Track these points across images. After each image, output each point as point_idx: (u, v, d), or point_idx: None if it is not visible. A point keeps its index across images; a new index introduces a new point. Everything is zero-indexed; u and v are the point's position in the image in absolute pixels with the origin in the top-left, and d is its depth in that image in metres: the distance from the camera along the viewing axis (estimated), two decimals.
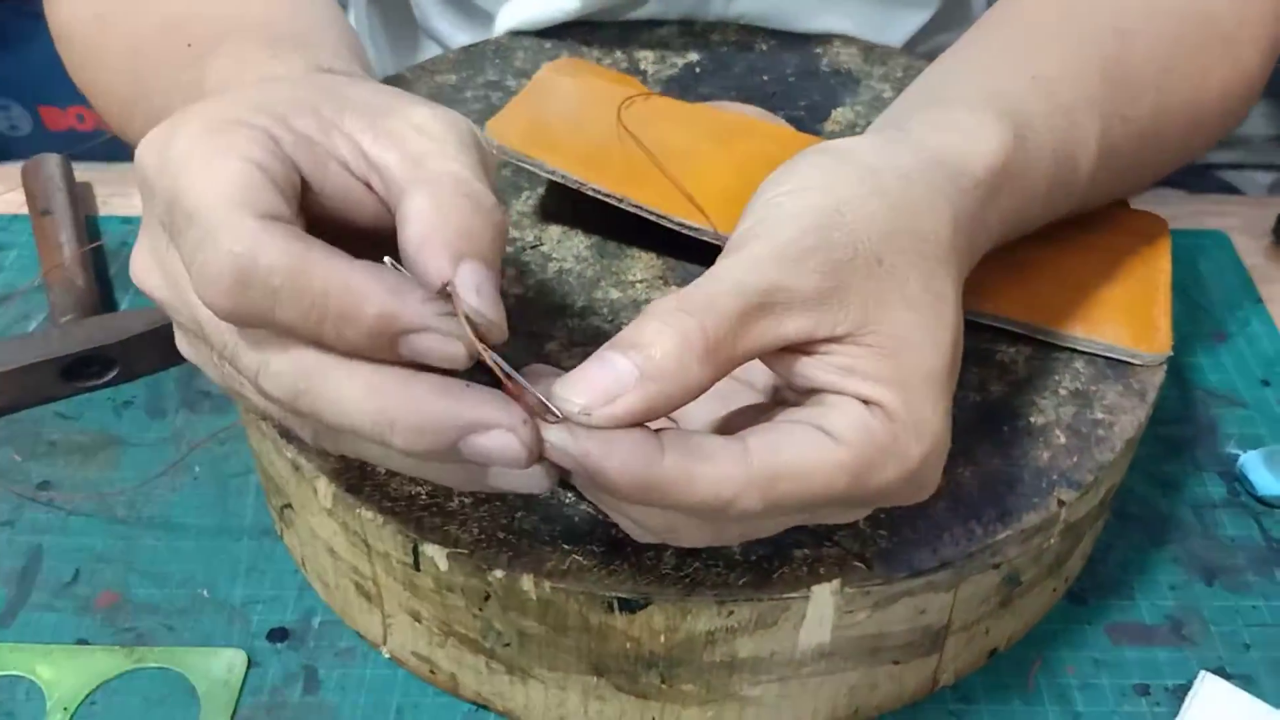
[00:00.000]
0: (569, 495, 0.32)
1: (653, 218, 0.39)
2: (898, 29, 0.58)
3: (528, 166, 0.40)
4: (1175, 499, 0.42)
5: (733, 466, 0.24)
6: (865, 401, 0.25)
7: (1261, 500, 0.41)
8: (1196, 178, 1.81)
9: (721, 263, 0.26)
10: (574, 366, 0.37)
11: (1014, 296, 0.37)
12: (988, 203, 0.31)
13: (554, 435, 0.24)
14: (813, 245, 0.26)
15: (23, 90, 1.72)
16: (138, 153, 0.26)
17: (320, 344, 0.23)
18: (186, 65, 0.35)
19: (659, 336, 0.24)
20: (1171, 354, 0.36)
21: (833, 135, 0.47)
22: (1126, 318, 0.37)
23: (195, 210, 0.23)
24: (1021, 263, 0.38)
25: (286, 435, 0.33)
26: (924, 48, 0.60)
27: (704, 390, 0.24)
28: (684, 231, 0.39)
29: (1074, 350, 0.37)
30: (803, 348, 0.26)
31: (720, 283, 0.25)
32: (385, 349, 0.23)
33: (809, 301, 0.25)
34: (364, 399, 0.23)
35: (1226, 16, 0.41)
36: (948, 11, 0.60)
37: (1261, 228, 0.54)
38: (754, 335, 0.25)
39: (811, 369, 0.26)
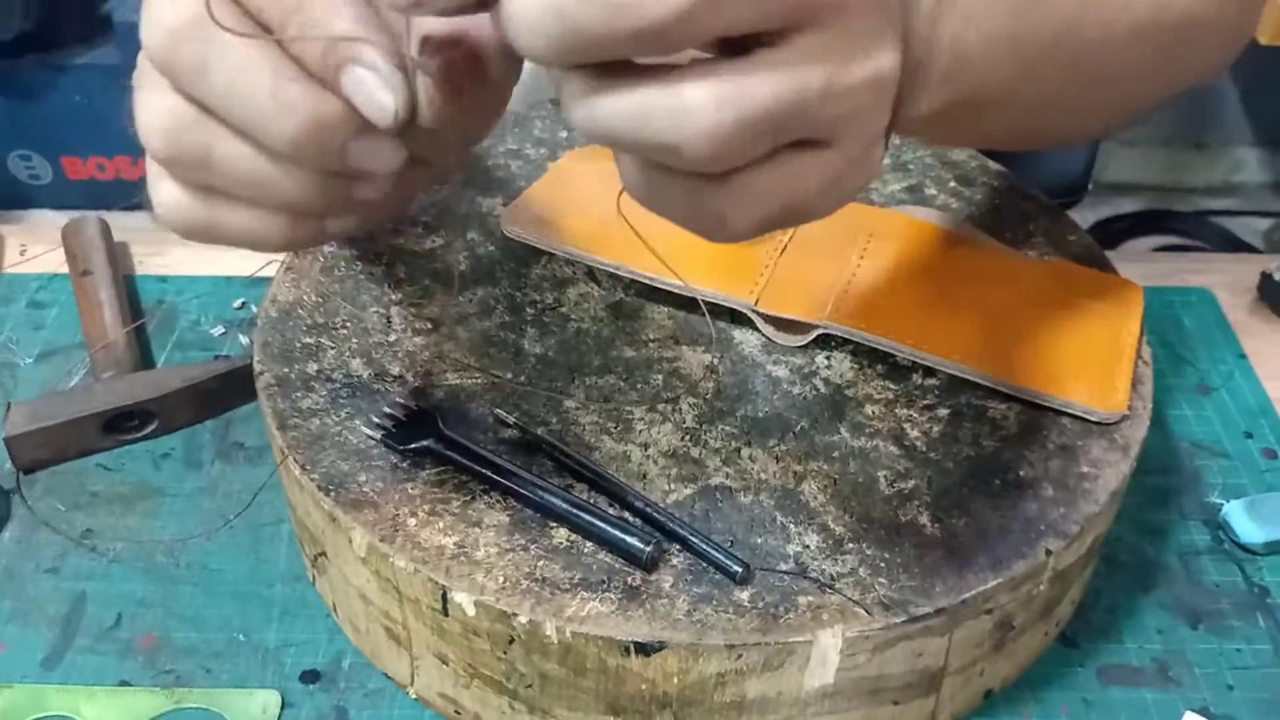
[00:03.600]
0: (588, 545, 0.35)
1: (649, 281, 0.42)
2: None
3: (541, 248, 0.43)
4: (1162, 546, 0.44)
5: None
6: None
7: (1244, 548, 0.43)
8: (1195, 224, 1.84)
9: None
10: (594, 427, 0.39)
11: (988, 352, 0.40)
12: None
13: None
14: None
15: (44, 141, 1.76)
16: None
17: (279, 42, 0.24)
18: None
19: None
20: (1127, 413, 0.39)
21: None
22: (1088, 377, 0.39)
23: None
24: (998, 320, 0.41)
25: (325, 489, 0.36)
26: None
27: None
28: (680, 292, 0.42)
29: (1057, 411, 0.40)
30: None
31: None
32: (329, 72, 0.24)
33: None
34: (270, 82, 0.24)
35: None
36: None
37: (1245, 285, 0.56)
38: None
39: None
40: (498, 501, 0.36)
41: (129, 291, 0.55)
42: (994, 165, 0.52)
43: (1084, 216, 1.79)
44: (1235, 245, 1.71)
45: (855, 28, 0.24)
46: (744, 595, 0.33)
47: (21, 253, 0.58)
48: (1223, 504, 0.44)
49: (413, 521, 0.35)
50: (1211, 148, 1.81)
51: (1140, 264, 0.59)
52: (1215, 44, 0.39)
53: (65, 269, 0.56)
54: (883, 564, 0.34)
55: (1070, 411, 0.39)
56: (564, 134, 0.53)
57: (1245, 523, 0.43)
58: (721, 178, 0.24)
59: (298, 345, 0.41)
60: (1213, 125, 1.80)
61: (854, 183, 0.27)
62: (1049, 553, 0.35)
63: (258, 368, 0.40)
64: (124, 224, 0.59)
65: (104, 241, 0.56)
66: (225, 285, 0.55)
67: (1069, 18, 0.33)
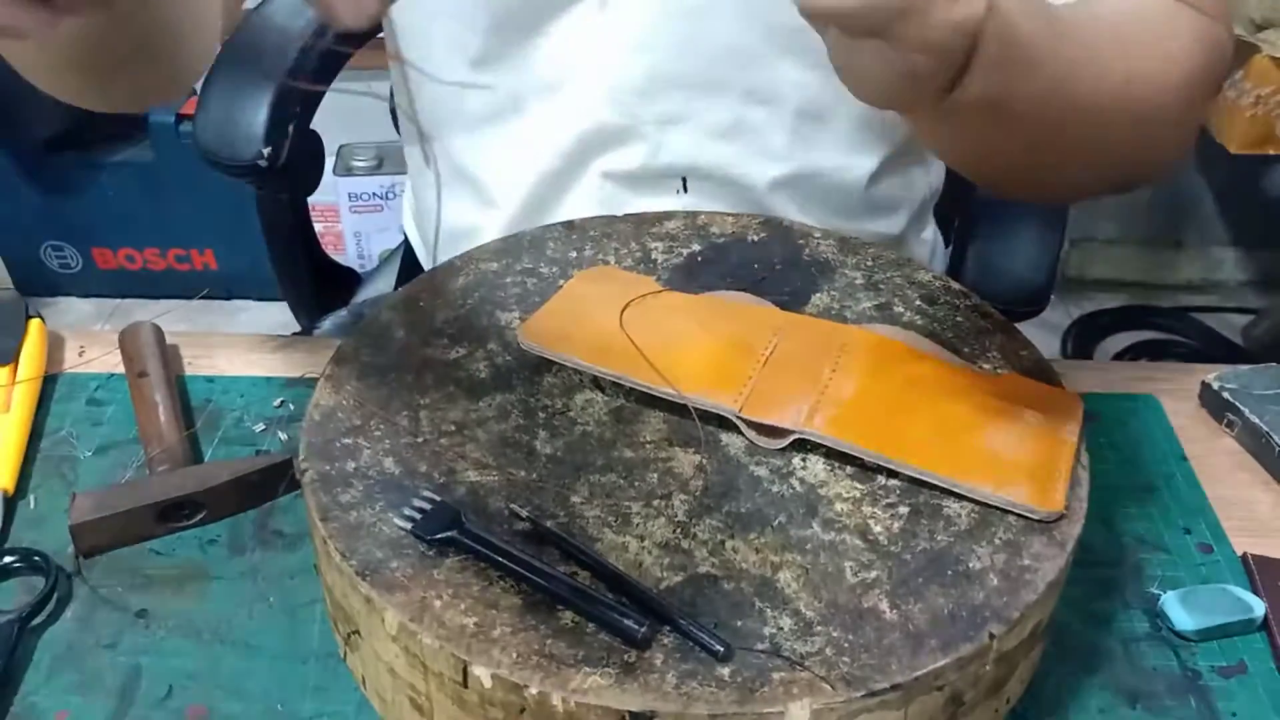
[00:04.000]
0: (590, 625, 0.40)
1: (646, 389, 0.48)
2: (862, 167, 0.68)
3: (552, 359, 0.49)
4: (1105, 633, 0.49)
5: None
6: None
7: (1179, 634, 0.48)
8: (1176, 320, 1.90)
9: None
10: (597, 519, 0.45)
11: (943, 456, 0.45)
12: None
13: None
14: None
15: (77, 233, 1.86)
16: None
17: None
18: None
19: None
20: (1064, 512, 0.44)
21: (812, 316, 0.55)
22: (1030, 480, 0.45)
23: None
24: (953, 428, 0.47)
25: (362, 574, 0.41)
26: (886, 183, 0.71)
27: None
28: (674, 399, 0.47)
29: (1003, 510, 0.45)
30: None
31: None
32: None
33: None
34: None
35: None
36: (905, 149, 0.70)
37: (1189, 392, 0.62)
38: None
39: None
40: (512, 586, 0.41)
41: (179, 391, 0.61)
42: (955, 285, 0.58)
43: (1069, 311, 1.86)
44: (1214, 340, 1.78)
45: None
46: (725, 671, 0.38)
47: (80, 354, 0.64)
48: (1161, 595, 0.49)
49: (438, 603, 0.40)
50: (1190, 247, 1.90)
51: (1096, 372, 0.65)
52: (1173, 126, 0.50)
53: (120, 369, 0.62)
54: (847, 645, 0.39)
55: (1014, 510, 0.44)
56: (573, 254, 0.59)
57: (1180, 612, 0.48)
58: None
59: (337, 446, 0.47)
60: (1190, 226, 1.88)
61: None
62: (993, 636, 0.40)
63: (302, 465, 0.46)
64: (173, 328, 0.65)
65: (158, 346, 0.62)
66: (266, 385, 0.61)
67: (1064, 75, 0.44)
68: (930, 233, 0.79)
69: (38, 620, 0.48)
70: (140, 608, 0.49)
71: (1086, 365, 0.73)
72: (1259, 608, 0.48)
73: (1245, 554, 0.52)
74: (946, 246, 0.83)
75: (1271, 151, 1.46)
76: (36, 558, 0.50)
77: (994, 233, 0.77)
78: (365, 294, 1.01)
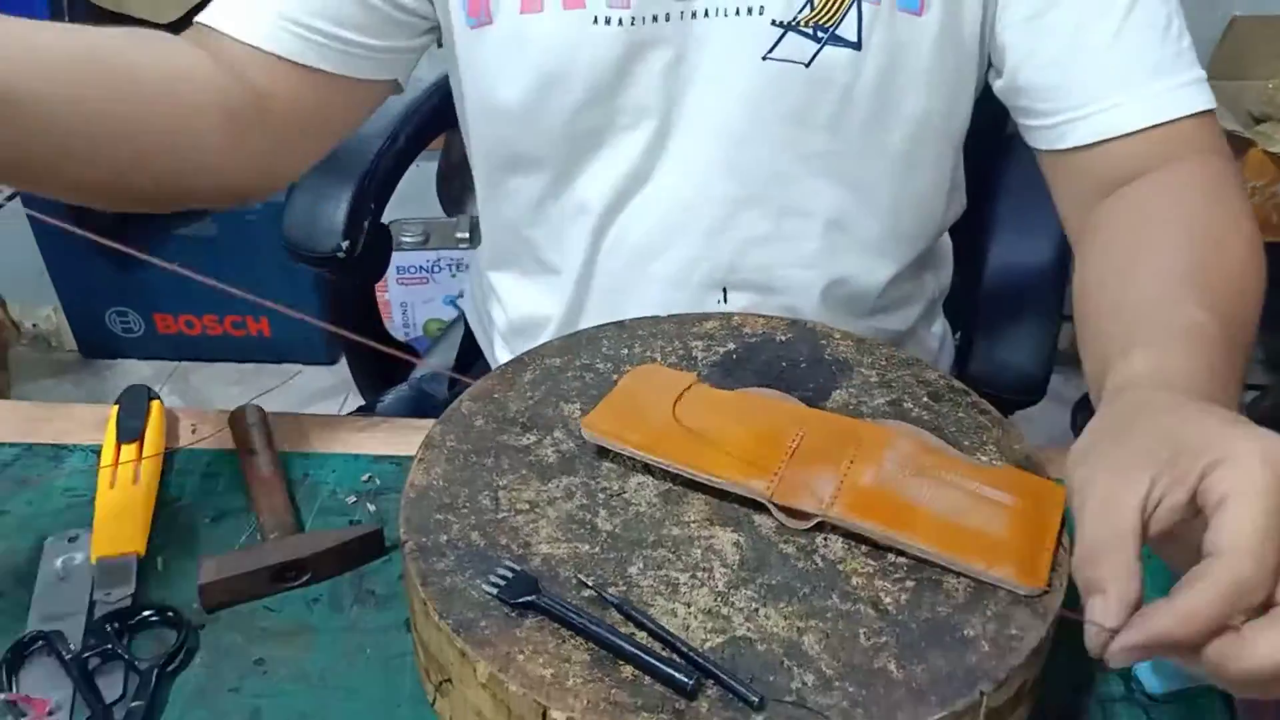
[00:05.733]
0: (647, 678, 0.48)
1: (691, 475, 0.57)
2: (882, 271, 0.77)
3: (614, 449, 0.58)
4: (1085, 694, 0.56)
5: None
6: None
7: (1150, 696, 0.56)
8: None
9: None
10: (650, 588, 0.53)
11: (944, 538, 0.54)
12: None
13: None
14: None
15: (140, 300, 1.98)
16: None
17: None
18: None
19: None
20: (1047, 588, 0.52)
21: (833, 411, 0.64)
22: (1018, 560, 0.53)
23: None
24: (953, 513, 0.55)
25: (457, 631, 0.50)
26: (900, 285, 0.80)
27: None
28: (715, 485, 0.56)
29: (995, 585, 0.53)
30: None
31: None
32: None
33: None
34: None
35: (1235, 213, 0.63)
36: (919, 257, 0.80)
37: None
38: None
39: None
40: (582, 644, 0.50)
41: (285, 466, 0.70)
42: (958, 384, 0.67)
43: (1079, 385, 1.93)
44: None
45: None
46: (760, 718, 0.46)
47: (193, 431, 0.74)
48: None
49: (520, 657, 0.49)
50: None
51: None
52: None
53: (228, 444, 0.71)
54: (860, 699, 0.47)
55: (1004, 586, 0.52)
56: (625, 351, 0.68)
57: (1150, 677, 0.56)
58: None
59: (431, 521, 0.56)
60: None
61: None
62: (983, 693, 0.48)
63: (403, 537, 0.55)
64: (269, 407, 0.75)
65: (263, 426, 0.71)
66: (354, 461, 0.70)
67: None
68: (940, 327, 0.88)
69: (172, 667, 0.57)
70: (258, 656, 0.58)
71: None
72: None
73: None
74: (955, 339, 0.92)
75: (1270, 239, 1.54)
76: (170, 613, 0.59)
77: (996, 330, 0.85)
78: (422, 370, 1.11)
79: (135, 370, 2.02)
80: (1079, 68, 0.68)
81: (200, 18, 0.69)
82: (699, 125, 0.72)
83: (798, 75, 0.69)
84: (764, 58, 0.69)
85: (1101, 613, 0.42)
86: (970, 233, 0.94)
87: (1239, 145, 1.58)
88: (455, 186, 1.79)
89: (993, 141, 1.02)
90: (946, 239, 0.90)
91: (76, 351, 2.09)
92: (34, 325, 2.11)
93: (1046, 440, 0.74)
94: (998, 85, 0.74)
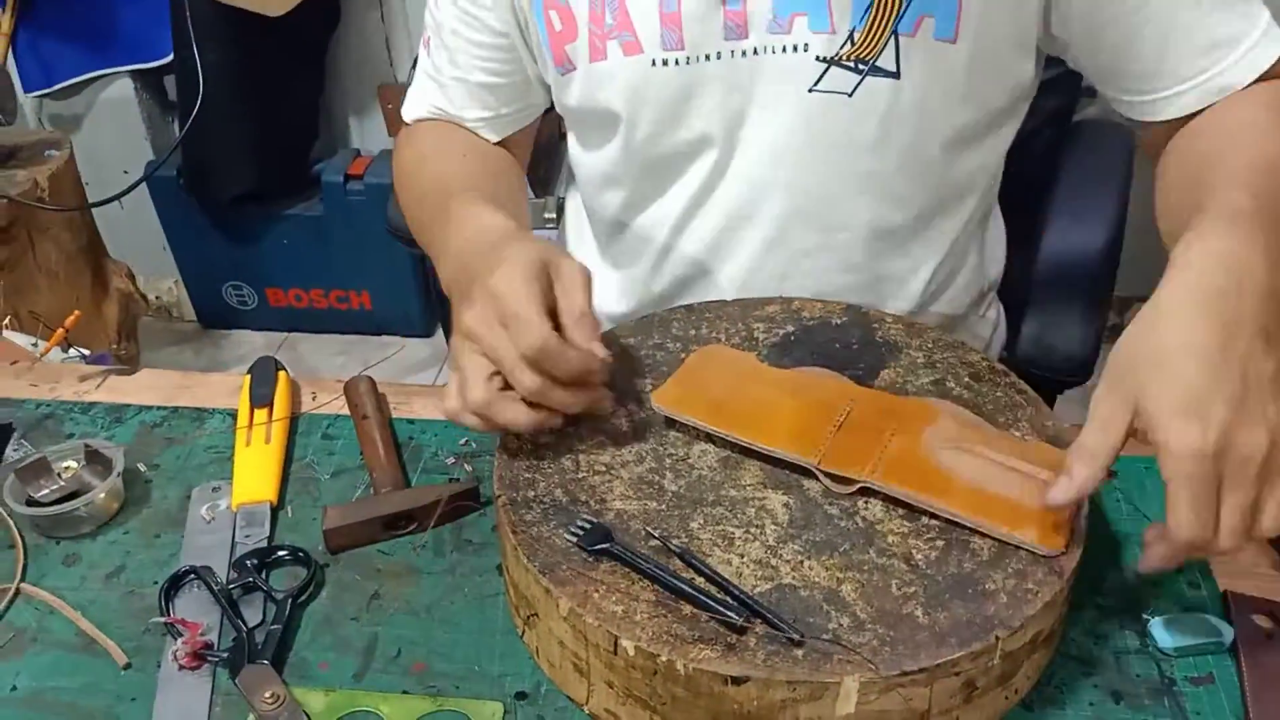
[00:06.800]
0: (704, 616, 0.56)
1: (747, 444, 0.64)
2: (925, 268, 0.84)
3: (680, 420, 0.66)
4: (1103, 646, 0.62)
5: None
6: None
7: (1162, 651, 0.61)
8: None
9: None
10: (709, 540, 0.61)
11: (973, 503, 0.60)
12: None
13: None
14: None
15: (253, 274, 2.12)
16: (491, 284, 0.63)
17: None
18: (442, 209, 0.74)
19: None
20: (1064, 550, 0.58)
21: (880, 389, 0.70)
22: (1039, 525, 0.59)
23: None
24: (983, 481, 0.61)
25: (543, 572, 0.58)
26: (942, 278, 0.86)
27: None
28: (768, 453, 0.63)
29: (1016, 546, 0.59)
30: None
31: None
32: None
33: None
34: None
35: None
36: (959, 252, 0.86)
37: None
38: None
39: None
40: (648, 586, 0.58)
41: (393, 430, 0.79)
42: (999, 366, 0.72)
43: None
44: None
45: None
46: (799, 653, 0.54)
47: (314, 398, 0.84)
48: (1150, 618, 0.63)
49: (596, 595, 0.57)
50: None
51: None
52: None
53: (345, 411, 0.81)
54: (889, 639, 0.54)
55: (1025, 547, 0.59)
56: (692, 332, 0.76)
57: (1163, 633, 0.61)
58: None
59: (520, 479, 0.64)
60: None
61: None
62: (998, 638, 0.54)
63: (497, 491, 0.64)
64: (380, 378, 0.84)
65: (373, 394, 0.81)
66: (453, 427, 0.79)
67: None
68: (994, 311, 0.94)
69: (302, 598, 0.67)
70: (374, 592, 0.67)
71: None
72: (1229, 633, 0.61)
73: (1226, 590, 0.64)
74: (1008, 323, 0.97)
75: None
76: (300, 553, 0.69)
77: (1046, 312, 0.90)
78: None
79: (248, 340, 2.16)
80: (1173, 50, 0.72)
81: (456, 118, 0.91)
82: (754, 150, 0.80)
83: (841, 104, 0.76)
84: (810, 90, 0.76)
85: (1063, 489, 0.56)
86: (1029, 216, 0.99)
87: None
88: (543, 169, 1.88)
89: (1056, 130, 1.06)
90: (1001, 230, 0.95)
91: (196, 322, 2.25)
92: (157, 297, 2.28)
93: None
94: (1085, 68, 0.78)
